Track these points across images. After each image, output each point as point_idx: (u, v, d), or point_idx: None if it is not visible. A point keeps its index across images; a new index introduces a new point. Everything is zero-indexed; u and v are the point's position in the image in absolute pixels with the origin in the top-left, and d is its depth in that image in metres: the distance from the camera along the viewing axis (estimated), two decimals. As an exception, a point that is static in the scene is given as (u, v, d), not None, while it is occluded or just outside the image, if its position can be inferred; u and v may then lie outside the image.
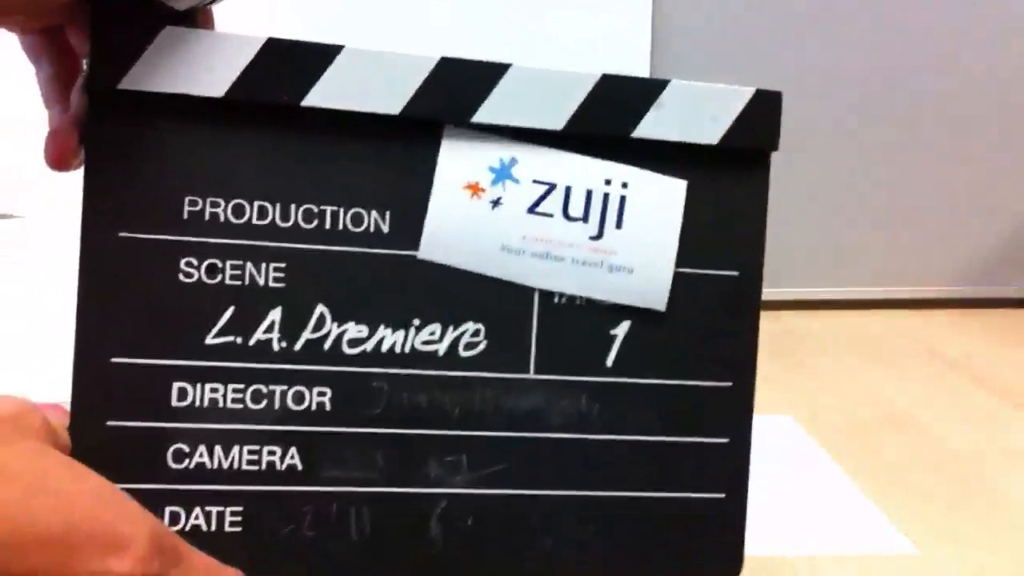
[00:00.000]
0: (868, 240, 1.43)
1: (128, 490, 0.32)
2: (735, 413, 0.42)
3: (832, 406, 1.02)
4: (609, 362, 0.40)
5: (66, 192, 1.27)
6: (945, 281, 1.46)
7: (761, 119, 0.41)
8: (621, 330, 0.40)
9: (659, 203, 0.40)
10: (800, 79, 1.37)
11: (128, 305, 0.36)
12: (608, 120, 0.39)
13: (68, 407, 0.36)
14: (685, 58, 1.35)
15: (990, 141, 1.41)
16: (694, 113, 0.39)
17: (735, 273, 0.42)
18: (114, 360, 0.36)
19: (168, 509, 0.36)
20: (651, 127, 0.39)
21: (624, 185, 0.39)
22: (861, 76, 1.37)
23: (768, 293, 1.43)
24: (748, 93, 0.40)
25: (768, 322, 1.39)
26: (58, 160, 0.37)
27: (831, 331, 1.33)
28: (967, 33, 1.37)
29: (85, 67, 0.36)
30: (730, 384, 0.42)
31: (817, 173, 1.41)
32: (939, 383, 1.11)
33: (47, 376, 1.06)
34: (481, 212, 0.39)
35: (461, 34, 1.31)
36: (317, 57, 0.36)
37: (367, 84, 0.37)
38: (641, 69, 1.33)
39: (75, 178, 1.21)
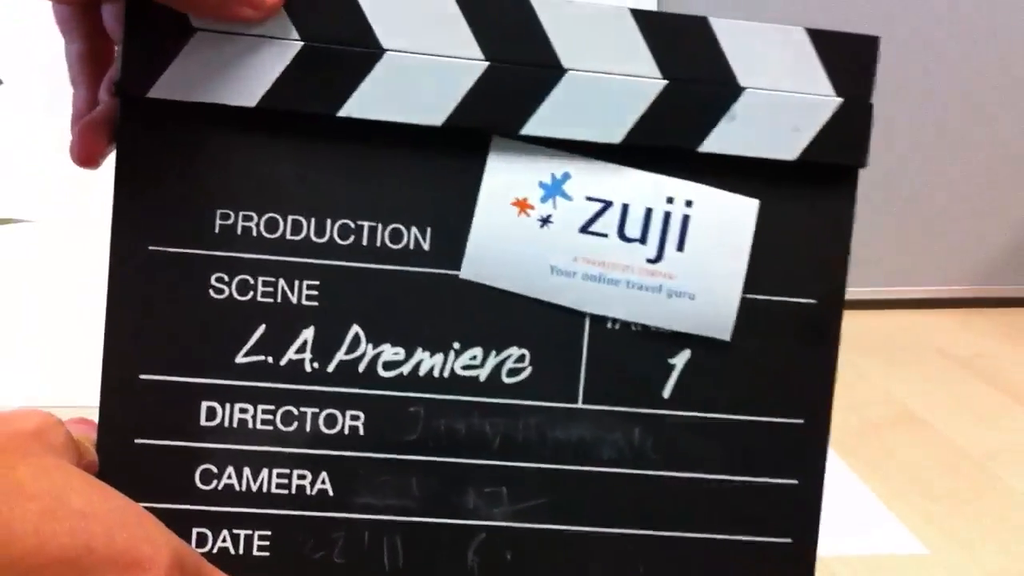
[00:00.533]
0: (877, 241, 1.43)
1: (155, 510, 0.31)
2: (807, 453, 0.38)
3: (842, 406, 1.01)
4: (666, 394, 0.37)
5: (77, 196, 1.27)
6: (954, 281, 1.45)
7: (849, 132, 0.36)
8: (680, 360, 0.37)
9: (727, 224, 0.37)
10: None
11: (157, 321, 0.35)
12: (672, 133, 0.36)
13: (96, 421, 0.35)
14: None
15: (998, 142, 1.41)
16: (770, 125, 0.36)
17: (812, 301, 0.39)
18: (143, 377, 0.35)
19: (195, 530, 0.35)
20: (720, 141, 0.36)
21: (688, 204, 0.37)
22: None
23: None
24: (835, 103, 0.36)
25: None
26: (86, 159, 0.35)
27: (842, 331, 1.33)
28: (978, 33, 1.37)
29: (117, 58, 0.35)
30: (802, 421, 0.38)
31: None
32: (948, 382, 1.11)
33: (64, 382, 1.07)
34: (529, 230, 0.36)
35: None
36: (356, 64, 0.35)
37: (408, 93, 0.35)
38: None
39: (87, 182, 1.20)
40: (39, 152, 1.27)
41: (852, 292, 1.22)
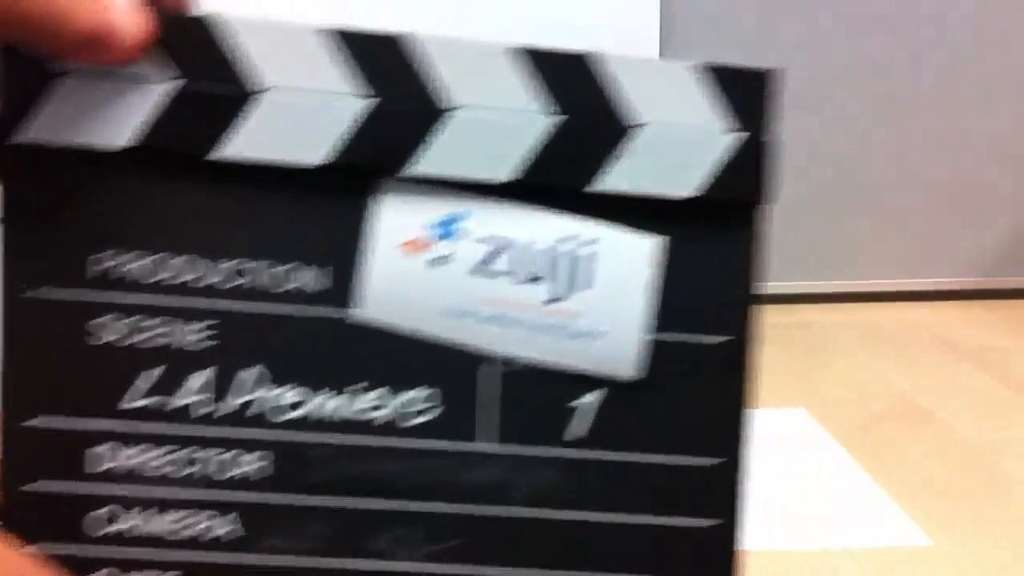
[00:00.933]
0: (882, 233, 1.43)
1: (51, 556, 0.31)
2: (725, 493, 0.37)
3: (846, 399, 1.03)
4: (577, 434, 0.36)
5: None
6: (958, 272, 1.45)
7: (744, 168, 0.35)
8: (590, 400, 0.36)
9: (628, 262, 0.35)
10: (812, 69, 1.37)
11: (40, 367, 0.34)
12: (563, 171, 0.35)
13: None
14: (695, 34, 1.36)
15: (1002, 133, 1.40)
16: (663, 162, 0.35)
17: (723, 339, 0.38)
18: (27, 424, 0.35)
19: None
20: (618, 178, 0.35)
21: (587, 242, 0.35)
22: (873, 66, 1.37)
23: (783, 287, 1.44)
24: (728, 139, 0.35)
25: (783, 315, 1.40)
26: None
27: (845, 324, 1.33)
28: (984, 26, 1.37)
29: None
30: (719, 460, 0.37)
31: (827, 167, 1.41)
32: (953, 375, 1.11)
33: None
34: (422, 272, 0.36)
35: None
36: (231, 103, 0.34)
37: (289, 132, 0.34)
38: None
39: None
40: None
41: (856, 285, 1.23)
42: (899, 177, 1.41)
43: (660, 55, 1.32)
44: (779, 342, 1.25)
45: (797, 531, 0.72)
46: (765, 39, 1.35)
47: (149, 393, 0.35)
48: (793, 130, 1.33)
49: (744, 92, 0.34)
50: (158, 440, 0.35)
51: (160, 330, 0.35)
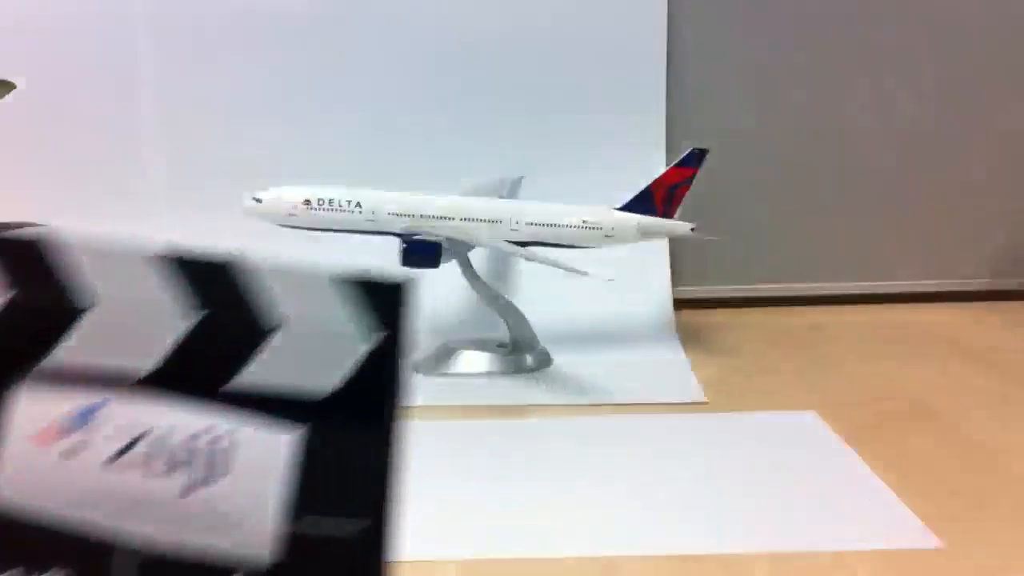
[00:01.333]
0: (891, 235, 1.43)
1: None
2: None
3: (856, 401, 1.02)
4: None
5: (89, 197, 1.27)
6: (969, 274, 1.45)
7: (385, 367, 0.37)
8: None
9: (266, 453, 0.36)
10: (822, 68, 1.37)
11: None
12: (208, 365, 0.36)
13: None
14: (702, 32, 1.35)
15: (1013, 134, 1.40)
16: (306, 360, 0.36)
17: (360, 526, 0.38)
18: None
19: None
20: (255, 374, 0.36)
21: (226, 433, 0.36)
22: (882, 64, 1.37)
23: (789, 289, 1.44)
24: (370, 342, 0.36)
25: (792, 317, 1.40)
26: None
27: (855, 325, 1.33)
28: (993, 23, 1.36)
29: None
30: None
31: (835, 168, 1.40)
32: (963, 376, 1.11)
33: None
34: (56, 460, 0.36)
35: None
36: None
37: None
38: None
39: (97, 183, 1.20)
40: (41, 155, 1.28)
41: (865, 286, 1.22)
42: (910, 179, 1.41)
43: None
44: (788, 344, 1.25)
45: (808, 534, 0.72)
46: (769, 31, 1.35)
47: None
48: (796, 131, 1.34)
49: (382, 299, 0.36)
50: None
51: None
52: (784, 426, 0.95)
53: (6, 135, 1.27)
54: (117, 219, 1.30)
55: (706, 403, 1.02)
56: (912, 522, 0.73)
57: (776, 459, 0.86)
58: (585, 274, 0.99)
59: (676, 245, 1.36)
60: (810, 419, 0.96)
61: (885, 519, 0.74)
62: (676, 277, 1.35)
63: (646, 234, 1.14)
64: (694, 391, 1.05)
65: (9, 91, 0.85)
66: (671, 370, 1.14)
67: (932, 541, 0.70)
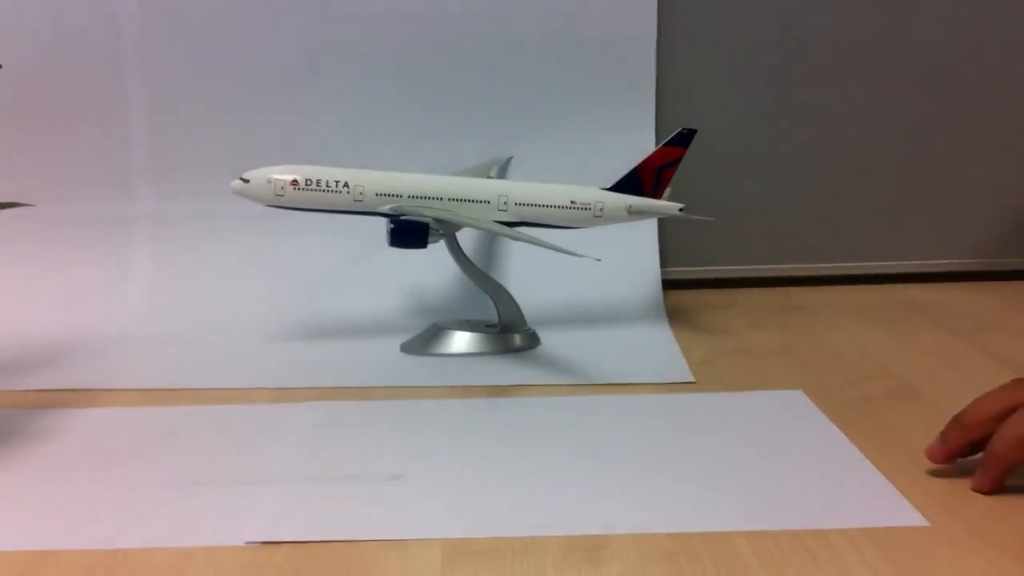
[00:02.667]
0: (875, 214, 1.43)
1: None
2: None
3: (842, 380, 1.03)
4: None
5: (78, 179, 1.27)
6: (954, 254, 1.45)
7: None
8: None
9: None
10: (813, 49, 1.36)
11: None
12: None
13: None
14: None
15: (999, 112, 1.40)
16: None
17: None
18: None
19: None
20: None
21: None
22: (870, 46, 1.37)
23: (777, 269, 1.44)
24: None
25: (778, 297, 1.40)
26: None
27: (842, 306, 1.33)
28: (981, 7, 1.36)
29: None
30: None
31: (823, 147, 1.40)
32: (950, 356, 1.12)
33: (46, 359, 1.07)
34: None
35: None
36: None
37: None
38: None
39: (85, 164, 1.20)
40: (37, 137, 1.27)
41: (850, 267, 1.22)
42: (894, 158, 1.41)
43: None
44: (776, 325, 1.25)
45: (793, 512, 0.72)
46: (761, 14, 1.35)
47: None
48: (784, 111, 1.34)
49: None
50: None
51: None
52: (771, 405, 0.95)
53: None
54: (104, 200, 1.30)
55: (694, 383, 1.02)
56: (898, 500, 0.73)
57: (762, 437, 0.86)
58: (574, 254, 0.99)
59: (664, 226, 1.36)
60: (797, 397, 0.96)
61: (871, 497, 0.75)
62: (664, 258, 1.35)
63: (635, 214, 1.14)
64: (682, 371, 1.06)
65: (-8, 70, 0.85)
66: (659, 350, 1.14)
67: (918, 519, 0.71)
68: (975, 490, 0.75)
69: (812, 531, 0.69)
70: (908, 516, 0.71)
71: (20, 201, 0.91)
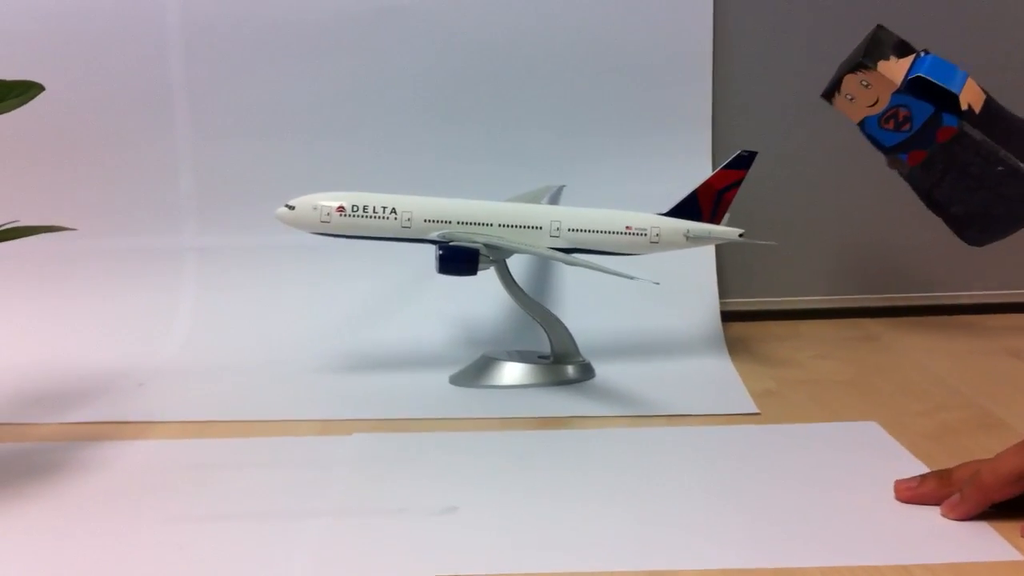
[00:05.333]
0: (945, 242, 1.37)
1: None
2: None
3: (916, 410, 0.97)
4: None
5: (117, 206, 1.27)
6: (1018, 284, 1.39)
7: None
8: None
9: None
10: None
11: None
12: None
13: None
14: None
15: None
16: None
17: None
18: None
19: None
20: None
21: None
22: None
23: (844, 300, 1.38)
24: None
25: (843, 328, 1.35)
26: None
27: (911, 336, 1.28)
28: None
29: None
30: None
31: (892, 173, 1.35)
32: (1022, 384, 1.06)
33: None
34: None
35: None
36: None
37: None
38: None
39: (125, 191, 1.19)
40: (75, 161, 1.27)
41: (921, 298, 1.16)
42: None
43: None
44: (842, 356, 1.20)
45: (877, 547, 0.68)
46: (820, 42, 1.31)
47: None
48: (849, 134, 1.29)
49: None
50: None
51: None
52: (845, 436, 0.90)
53: (38, 139, 1.27)
54: (150, 232, 1.29)
55: (758, 414, 0.97)
56: (985, 532, 0.68)
57: (838, 470, 0.81)
58: (632, 277, 0.95)
59: (723, 254, 1.31)
60: (872, 429, 0.91)
61: (959, 531, 0.70)
62: (722, 290, 1.30)
63: (693, 240, 1.10)
64: (745, 402, 1.01)
65: (37, 93, 0.83)
66: (719, 381, 1.09)
67: (1008, 552, 0.65)
68: (944, 515, 0.71)
69: (895, 566, 0.64)
70: (997, 550, 0.66)
71: (62, 225, 0.90)
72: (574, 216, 1.08)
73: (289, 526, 0.73)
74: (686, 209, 1.10)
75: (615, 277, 0.96)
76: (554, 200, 1.27)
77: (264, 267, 1.29)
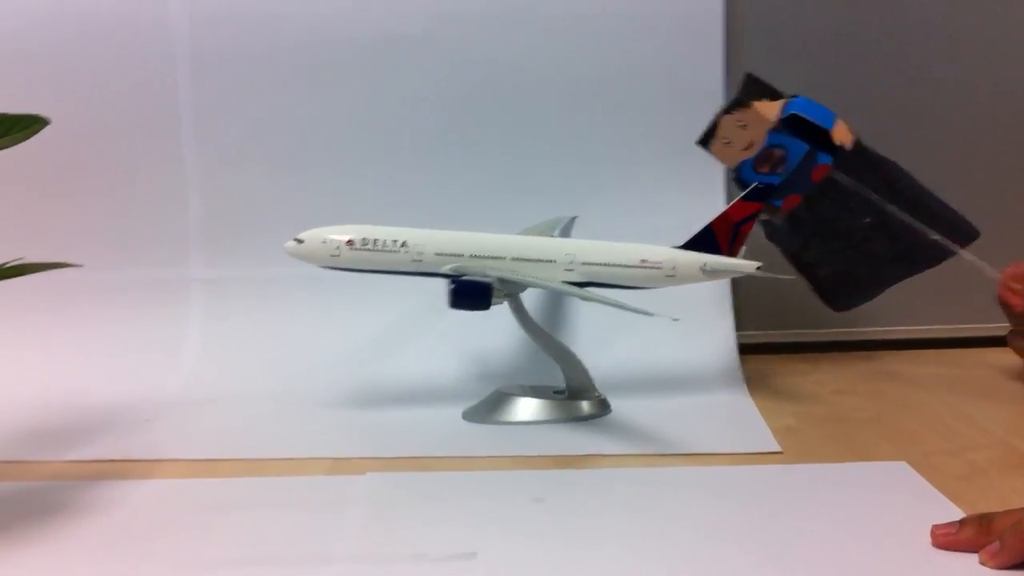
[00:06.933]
0: (964, 276, 1.35)
1: None
2: None
3: (945, 450, 0.95)
4: None
5: (124, 238, 1.25)
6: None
7: None
8: None
9: None
10: (891, 98, 1.31)
11: None
12: None
13: None
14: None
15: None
16: None
17: None
18: None
19: None
20: None
21: None
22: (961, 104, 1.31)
23: (863, 332, 1.36)
24: None
25: (864, 362, 1.32)
26: None
27: (933, 370, 1.25)
28: None
29: None
30: None
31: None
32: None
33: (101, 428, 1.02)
34: None
35: None
36: None
37: None
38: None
39: (132, 222, 1.17)
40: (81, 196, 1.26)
41: (942, 330, 1.12)
42: (985, 215, 1.33)
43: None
44: (863, 391, 1.17)
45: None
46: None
47: None
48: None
49: None
50: None
51: None
52: (874, 477, 0.87)
53: (43, 171, 1.25)
54: (157, 265, 1.27)
55: (781, 453, 0.94)
56: (1026, 580, 0.66)
57: (871, 513, 0.78)
58: (649, 314, 0.93)
59: (739, 287, 1.29)
60: (902, 469, 0.88)
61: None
62: (739, 322, 1.28)
63: (710, 274, 1.07)
64: (766, 440, 0.98)
65: (42, 127, 0.81)
66: (739, 417, 1.06)
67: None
68: (983, 563, 0.68)
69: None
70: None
71: (68, 262, 0.88)
72: (589, 249, 1.05)
73: (302, 571, 0.70)
74: (702, 242, 1.08)
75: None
76: (566, 232, 1.25)
77: (273, 299, 1.27)
